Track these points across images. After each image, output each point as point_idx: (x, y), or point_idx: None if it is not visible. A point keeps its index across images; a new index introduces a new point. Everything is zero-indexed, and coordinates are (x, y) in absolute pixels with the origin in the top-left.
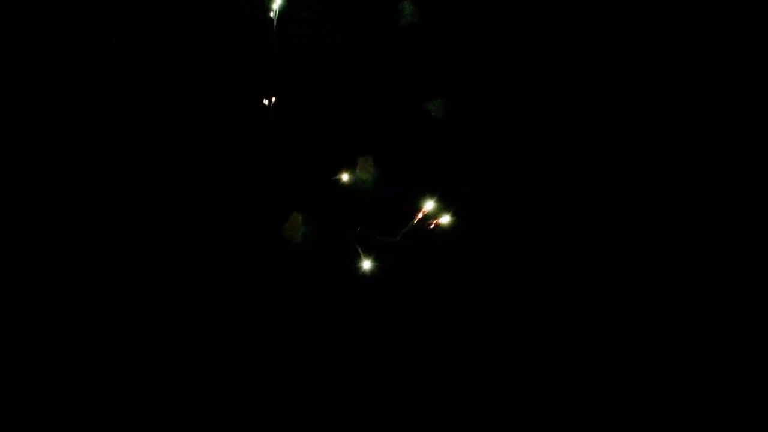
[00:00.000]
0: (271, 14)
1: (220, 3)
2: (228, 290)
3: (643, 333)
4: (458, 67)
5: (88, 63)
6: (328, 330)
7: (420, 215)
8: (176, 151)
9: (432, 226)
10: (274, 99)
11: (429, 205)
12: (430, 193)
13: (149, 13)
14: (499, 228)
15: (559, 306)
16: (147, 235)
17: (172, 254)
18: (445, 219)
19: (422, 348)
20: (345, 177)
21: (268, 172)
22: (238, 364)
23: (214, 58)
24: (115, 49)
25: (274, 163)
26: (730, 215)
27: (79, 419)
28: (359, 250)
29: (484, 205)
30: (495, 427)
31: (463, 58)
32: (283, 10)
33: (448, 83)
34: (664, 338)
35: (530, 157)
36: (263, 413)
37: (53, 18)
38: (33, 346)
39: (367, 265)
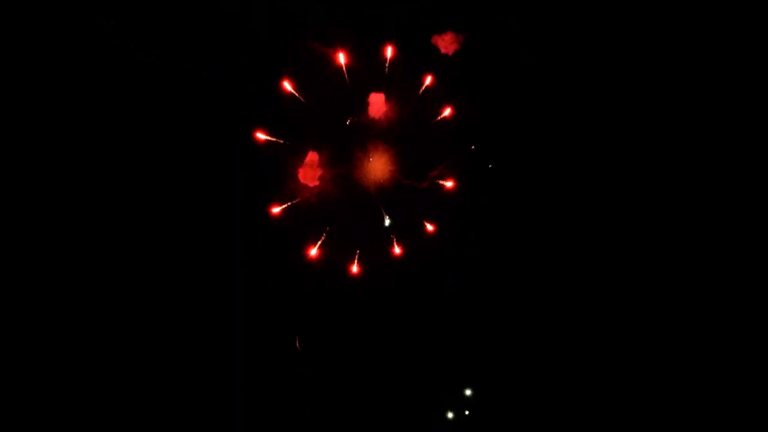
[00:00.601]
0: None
1: (220, 3)
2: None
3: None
4: (458, 67)
5: (89, 63)
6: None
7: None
8: (175, 150)
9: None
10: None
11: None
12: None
13: (150, 13)
14: (497, 226)
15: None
16: (148, 230)
17: (173, 251)
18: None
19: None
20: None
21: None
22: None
23: (214, 58)
24: (115, 49)
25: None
26: (730, 214)
27: (78, 417)
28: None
29: (483, 205)
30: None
31: (464, 57)
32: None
33: (448, 83)
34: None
35: (530, 156)
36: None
37: (54, 18)
38: (32, 344)
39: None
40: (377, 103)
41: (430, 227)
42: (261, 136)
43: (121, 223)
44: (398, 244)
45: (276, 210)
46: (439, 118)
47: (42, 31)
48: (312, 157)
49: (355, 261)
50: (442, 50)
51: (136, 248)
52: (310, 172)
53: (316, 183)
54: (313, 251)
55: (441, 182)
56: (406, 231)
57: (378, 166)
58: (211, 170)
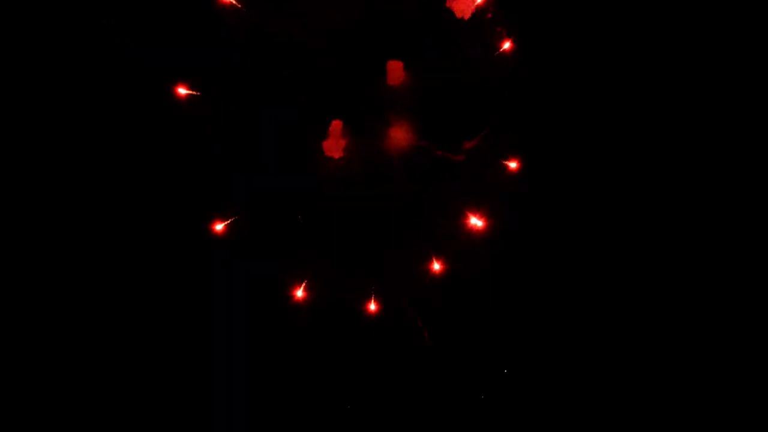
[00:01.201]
0: None
1: (220, 3)
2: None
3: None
4: (457, 67)
5: (89, 63)
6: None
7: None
8: (175, 150)
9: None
10: None
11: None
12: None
13: (150, 13)
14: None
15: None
16: (150, 232)
17: (173, 251)
18: None
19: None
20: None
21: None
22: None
23: (213, 57)
24: (115, 49)
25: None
26: (731, 216)
27: (77, 419)
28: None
29: (484, 208)
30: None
31: (462, 57)
32: None
33: (448, 83)
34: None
35: (531, 157)
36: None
37: (53, 18)
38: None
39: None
40: (395, 71)
41: (478, 222)
42: (182, 91)
43: (120, 223)
44: (437, 258)
45: (220, 227)
46: (497, 53)
47: (41, 31)
48: (336, 125)
49: (372, 294)
50: (458, 15)
51: (132, 247)
52: (334, 143)
53: (342, 154)
54: (300, 292)
55: (503, 162)
56: (445, 227)
57: (399, 134)
58: (211, 169)
